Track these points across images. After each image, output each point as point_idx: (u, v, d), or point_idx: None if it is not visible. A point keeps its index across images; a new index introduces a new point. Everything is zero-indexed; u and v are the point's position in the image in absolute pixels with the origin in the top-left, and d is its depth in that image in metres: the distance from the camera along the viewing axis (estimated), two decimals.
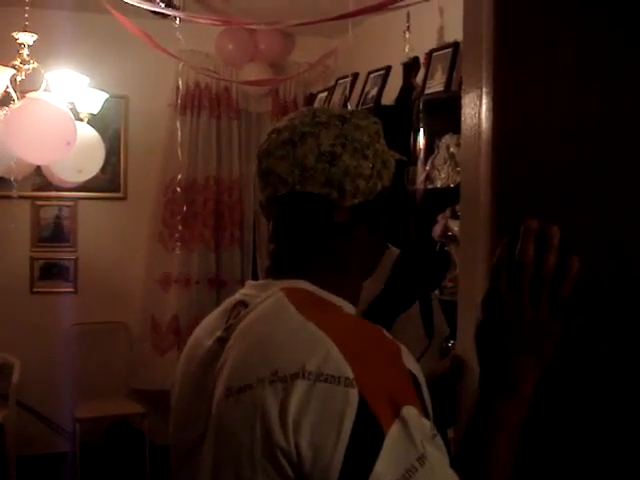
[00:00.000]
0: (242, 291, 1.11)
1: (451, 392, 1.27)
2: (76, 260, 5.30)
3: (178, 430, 1.11)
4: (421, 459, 0.85)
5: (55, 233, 5.28)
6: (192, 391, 1.07)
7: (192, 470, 1.03)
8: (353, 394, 0.86)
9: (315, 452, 0.86)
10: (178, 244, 5.29)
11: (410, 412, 0.88)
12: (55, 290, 5.26)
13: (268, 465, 0.88)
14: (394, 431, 0.86)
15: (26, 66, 3.66)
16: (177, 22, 4.00)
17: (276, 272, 1.10)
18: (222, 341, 1.04)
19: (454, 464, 0.91)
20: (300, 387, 0.87)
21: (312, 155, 1.04)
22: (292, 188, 1.05)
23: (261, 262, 5.55)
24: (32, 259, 5.23)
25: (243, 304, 1.06)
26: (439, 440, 0.90)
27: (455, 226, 3.27)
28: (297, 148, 1.05)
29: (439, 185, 3.46)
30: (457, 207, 3.22)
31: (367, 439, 0.85)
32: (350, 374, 0.87)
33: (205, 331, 1.11)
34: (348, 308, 1.05)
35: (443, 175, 3.44)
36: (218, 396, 0.97)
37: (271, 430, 0.88)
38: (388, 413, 0.86)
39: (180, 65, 4.90)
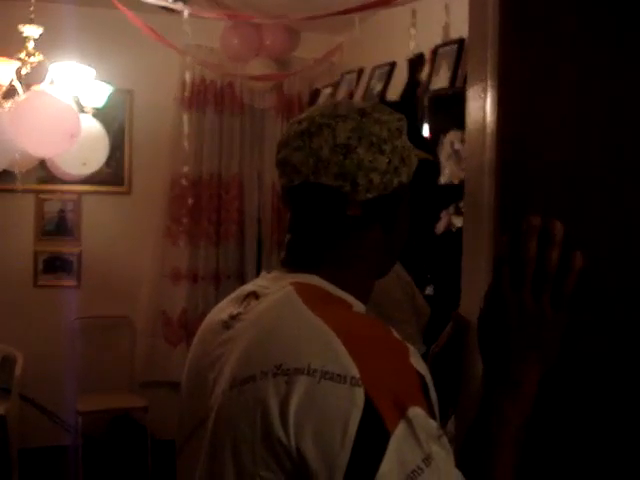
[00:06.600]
0: (256, 281, 1.10)
1: (457, 363, 1.25)
2: (79, 254, 5.30)
3: (183, 413, 1.11)
4: (427, 459, 0.85)
5: (59, 227, 5.29)
6: (196, 375, 1.08)
7: (192, 453, 1.03)
8: (359, 393, 0.85)
9: (320, 452, 0.85)
10: (186, 239, 5.33)
11: (416, 412, 0.87)
12: (58, 284, 5.27)
13: (268, 457, 0.88)
14: (399, 431, 0.85)
15: (31, 59, 3.67)
16: (186, 14, 3.99)
17: (290, 264, 1.09)
18: (227, 327, 1.03)
19: (457, 461, 0.90)
20: (303, 384, 0.87)
21: (327, 146, 1.02)
22: (306, 178, 1.03)
23: (266, 256, 5.56)
24: (36, 252, 5.24)
25: (255, 295, 1.05)
26: (445, 440, 0.89)
27: (458, 222, 3.27)
28: (313, 139, 1.03)
29: (443, 181, 3.46)
30: (461, 204, 3.22)
31: (372, 439, 0.84)
32: (356, 373, 0.86)
33: (216, 317, 1.10)
34: (358, 306, 1.03)
35: (447, 171, 3.44)
36: (222, 386, 0.97)
37: (271, 425, 0.87)
38: (394, 413, 0.85)
39: (186, 59, 4.90)
